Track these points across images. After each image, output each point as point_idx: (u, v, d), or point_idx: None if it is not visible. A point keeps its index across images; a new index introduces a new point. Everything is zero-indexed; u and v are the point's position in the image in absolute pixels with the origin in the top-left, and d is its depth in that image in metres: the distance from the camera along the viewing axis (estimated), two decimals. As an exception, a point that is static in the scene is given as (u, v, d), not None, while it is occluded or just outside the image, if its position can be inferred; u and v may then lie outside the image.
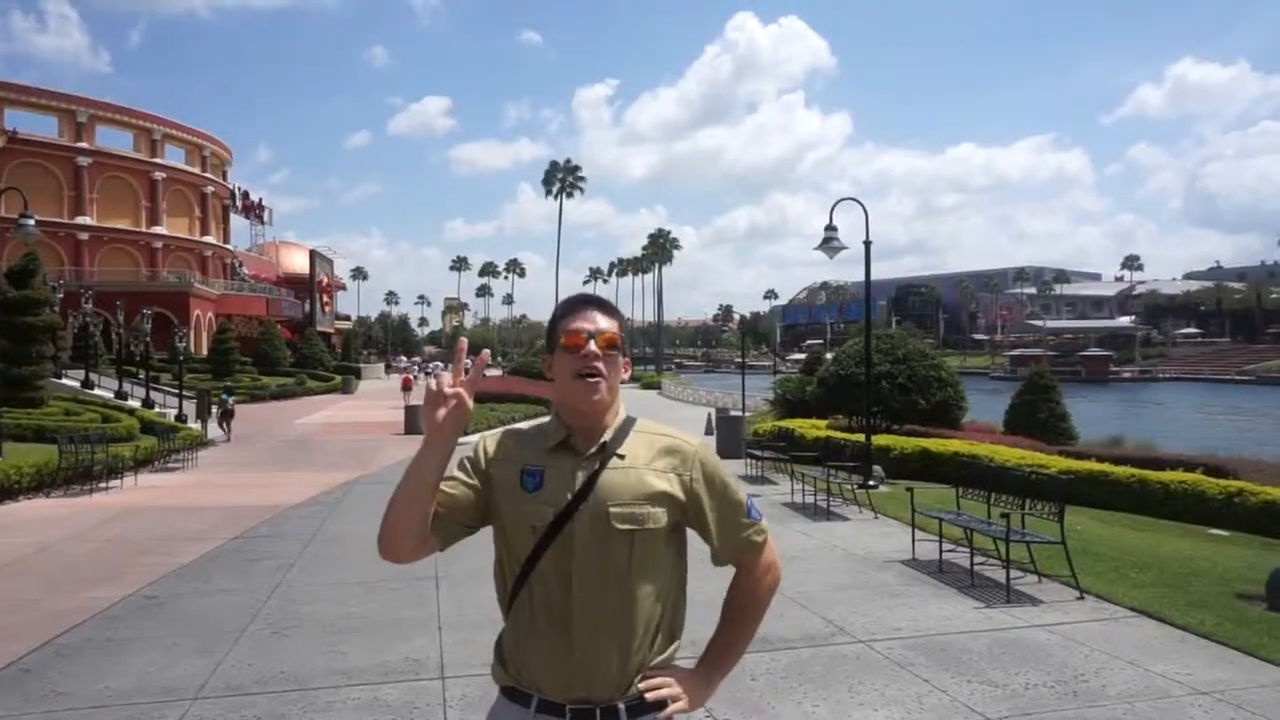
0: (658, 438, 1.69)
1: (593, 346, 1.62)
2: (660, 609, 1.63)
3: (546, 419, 1.75)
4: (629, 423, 1.70)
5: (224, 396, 24.59)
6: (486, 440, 1.72)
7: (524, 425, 1.78)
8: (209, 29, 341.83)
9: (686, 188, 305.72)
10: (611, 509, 1.57)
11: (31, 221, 14.81)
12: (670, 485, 1.63)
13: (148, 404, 25.95)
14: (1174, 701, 4.20)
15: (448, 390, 1.56)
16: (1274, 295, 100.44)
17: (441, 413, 1.55)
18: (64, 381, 26.81)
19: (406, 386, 44.44)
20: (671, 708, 1.60)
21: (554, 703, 1.57)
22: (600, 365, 1.62)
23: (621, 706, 1.57)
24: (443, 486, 1.62)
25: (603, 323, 1.66)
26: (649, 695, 1.58)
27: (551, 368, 1.70)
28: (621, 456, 1.63)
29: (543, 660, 1.58)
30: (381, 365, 72.85)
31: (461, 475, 1.67)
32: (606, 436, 1.65)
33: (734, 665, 1.80)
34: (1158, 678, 4.52)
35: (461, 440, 1.62)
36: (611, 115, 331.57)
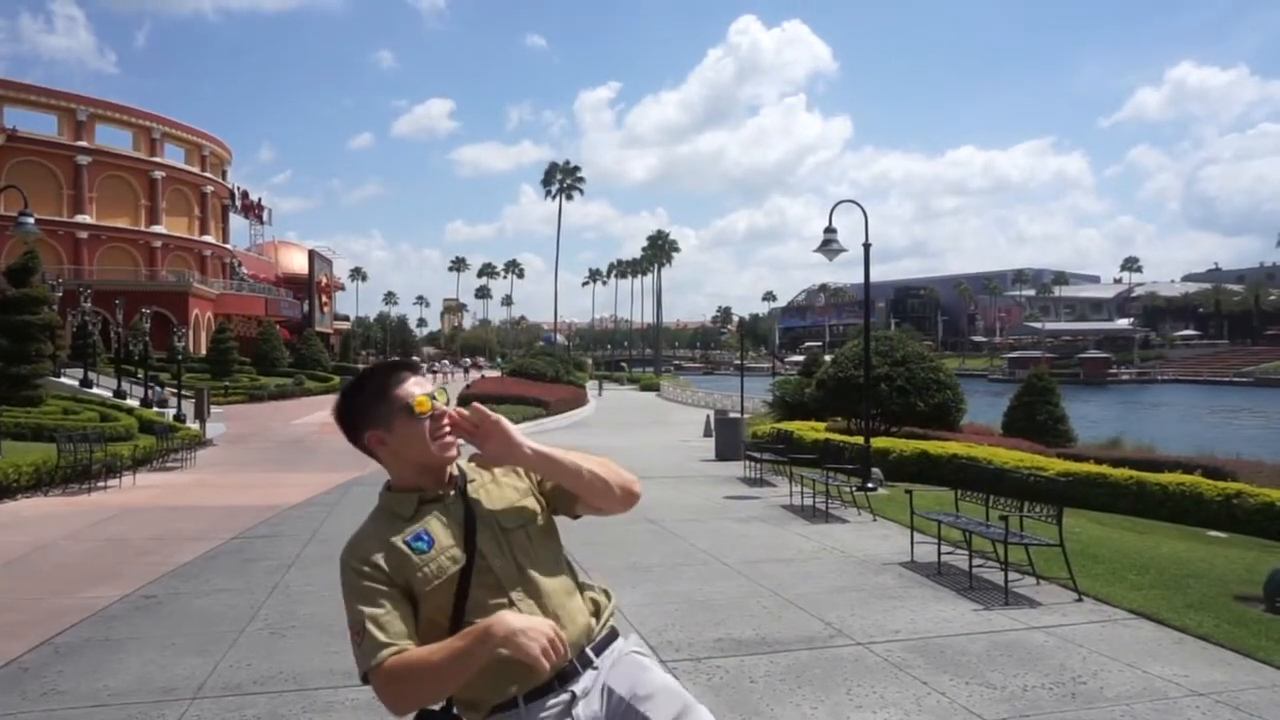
0: (481, 468, 1.80)
1: (440, 407, 1.69)
2: (569, 569, 1.78)
3: (375, 509, 1.75)
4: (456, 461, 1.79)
5: (158, 389, 24.89)
6: (354, 552, 1.66)
7: (361, 532, 1.72)
8: (215, 31, 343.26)
9: (687, 190, 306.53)
10: (500, 517, 1.70)
11: (31, 220, 14.78)
12: (521, 479, 1.79)
13: (147, 403, 25.92)
14: (1172, 703, 4.20)
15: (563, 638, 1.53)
16: (1272, 297, 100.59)
17: (545, 658, 1.49)
18: (63, 380, 26.79)
19: None
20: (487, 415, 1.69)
21: (537, 688, 1.64)
22: (451, 420, 1.70)
23: (589, 650, 1.71)
24: (386, 618, 1.58)
25: (427, 384, 1.75)
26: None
27: (388, 444, 1.69)
28: (473, 480, 1.75)
29: (515, 669, 1.59)
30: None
31: (385, 595, 1.61)
32: (452, 469, 1.74)
33: (550, 453, 1.73)
34: (1156, 679, 4.52)
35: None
36: (613, 118, 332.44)
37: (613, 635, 1.77)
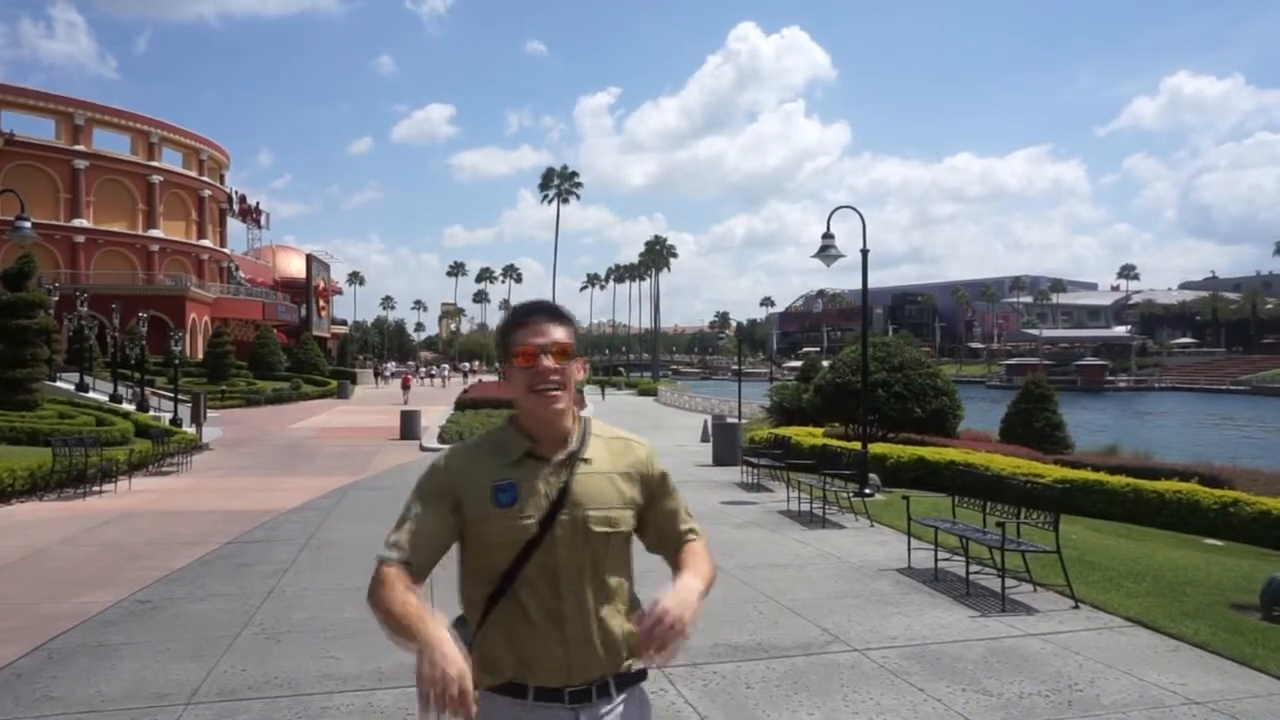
0: (614, 441, 1.78)
1: (546, 361, 1.65)
2: (629, 594, 1.75)
3: (498, 429, 1.78)
4: (586, 425, 1.76)
5: (136, 388, 26.05)
6: (445, 462, 1.72)
7: (473, 440, 1.77)
8: (217, 37, 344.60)
9: (686, 196, 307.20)
10: (590, 513, 1.66)
11: (28, 224, 14.77)
12: (633, 489, 1.75)
13: (144, 407, 25.86)
14: (1168, 711, 4.20)
15: (466, 706, 1.44)
16: (1269, 305, 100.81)
17: (422, 702, 1.43)
18: (59, 384, 26.72)
19: (406, 385, 44.66)
20: (677, 634, 1.53)
21: (551, 689, 1.64)
22: (556, 378, 1.65)
23: (611, 681, 1.68)
24: (417, 522, 1.65)
25: (556, 333, 1.68)
26: (654, 638, 1.52)
27: (507, 378, 1.74)
28: (588, 461, 1.70)
29: (539, 656, 1.64)
30: (370, 371, 65.30)
31: (433, 506, 1.67)
32: (572, 444, 1.71)
33: (708, 582, 1.72)
34: (1152, 687, 4.52)
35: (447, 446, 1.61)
36: (613, 123, 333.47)
37: (641, 676, 1.74)
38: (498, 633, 1.66)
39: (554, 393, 1.65)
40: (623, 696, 1.71)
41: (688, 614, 1.55)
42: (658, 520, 1.79)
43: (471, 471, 1.68)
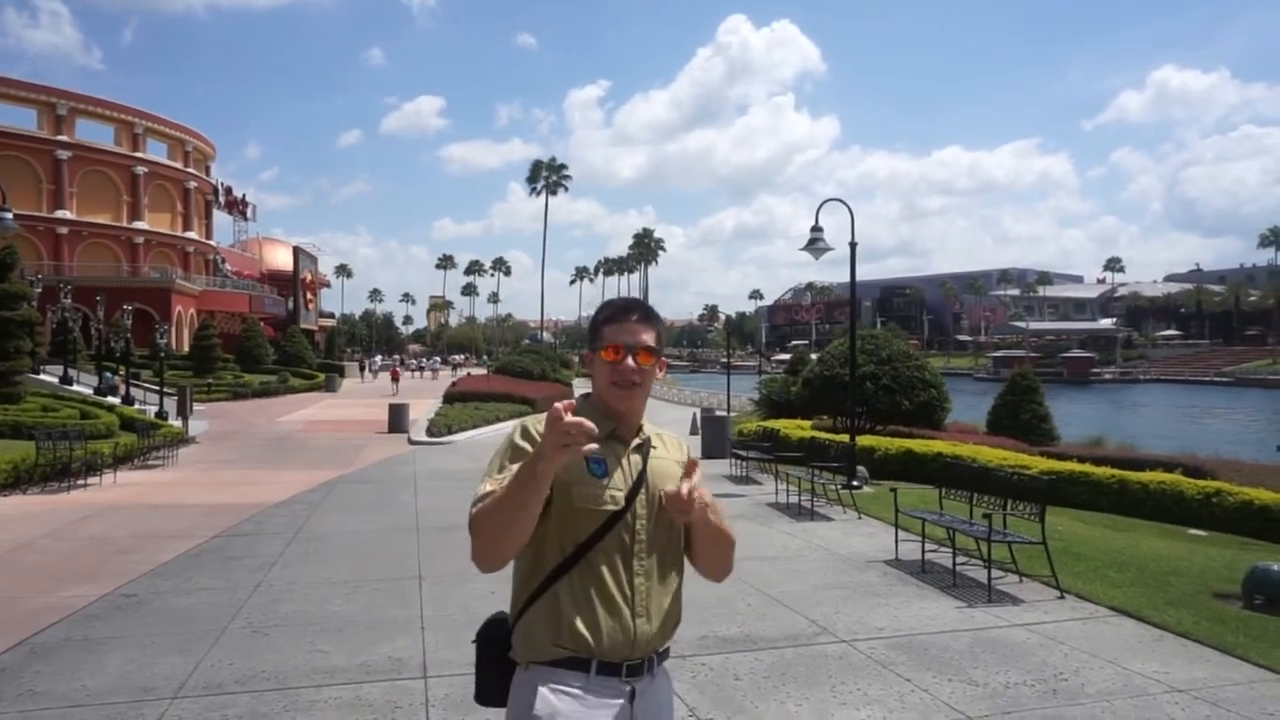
0: (664, 434, 1.92)
1: (630, 362, 1.76)
2: (682, 579, 1.87)
3: (580, 404, 1.78)
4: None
5: (108, 376, 25.86)
6: (538, 426, 1.72)
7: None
8: (205, 28, 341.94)
9: (675, 189, 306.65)
10: (665, 490, 1.76)
11: (9, 215, 14.62)
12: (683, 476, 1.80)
13: (127, 400, 25.66)
14: (1151, 699, 4.24)
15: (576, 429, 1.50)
16: (1252, 298, 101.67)
17: (566, 440, 1.48)
18: (42, 377, 26.48)
19: (395, 378, 44.56)
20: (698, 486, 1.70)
21: (612, 663, 1.71)
22: (637, 378, 1.77)
23: (655, 657, 1.80)
24: (516, 464, 1.67)
25: (645, 335, 1.78)
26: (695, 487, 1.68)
27: (591, 365, 1.85)
28: (656, 448, 1.85)
29: (608, 630, 1.70)
30: (357, 365, 61.98)
31: (530, 455, 1.66)
32: (644, 431, 1.84)
33: (728, 530, 1.89)
34: (1136, 676, 4.56)
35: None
36: (603, 116, 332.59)
37: (667, 654, 1.86)
38: (564, 604, 1.70)
39: (629, 389, 1.77)
40: (661, 669, 1.82)
41: (706, 496, 1.72)
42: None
43: None
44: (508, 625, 1.80)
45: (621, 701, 1.70)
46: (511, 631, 1.77)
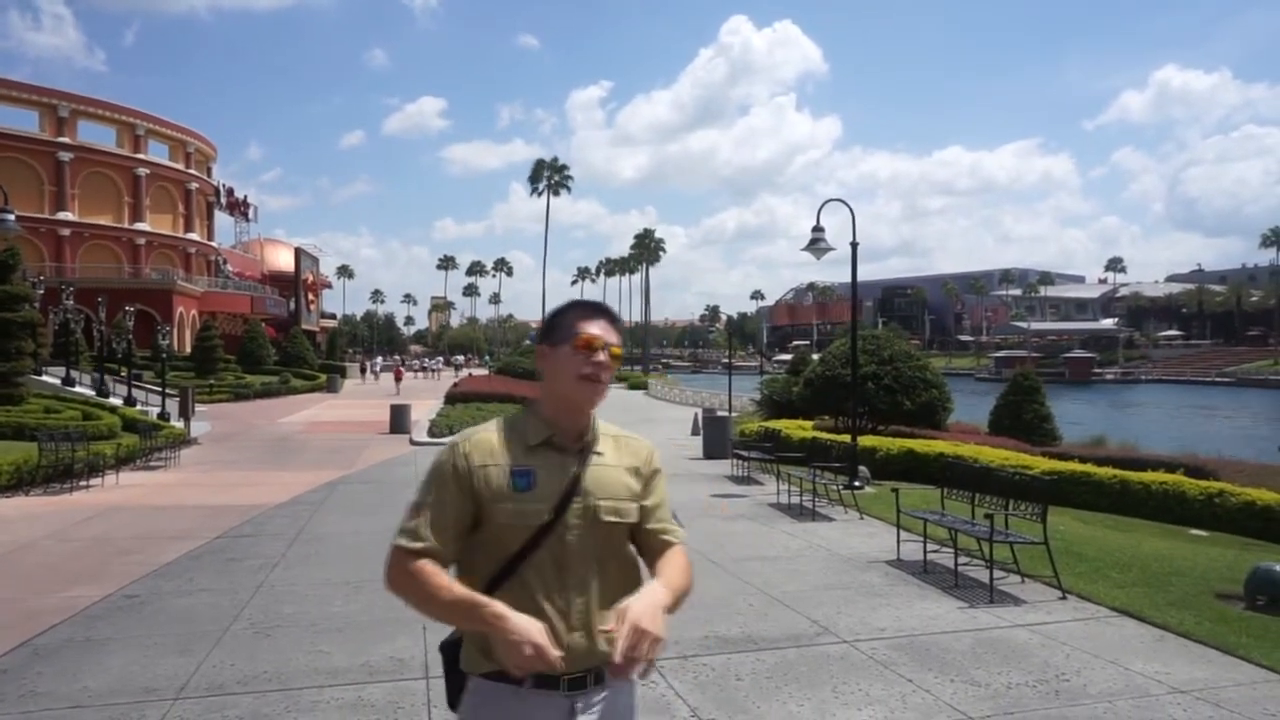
0: (620, 438, 1.84)
1: (603, 356, 1.73)
2: (628, 587, 1.73)
3: (516, 416, 1.81)
4: (594, 421, 1.81)
5: (99, 375, 26.93)
6: (465, 446, 1.75)
7: (489, 425, 1.81)
8: (207, 30, 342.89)
9: (677, 189, 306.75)
10: (600, 502, 1.72)
11: (11, 216, 14.64)
12: (637, 483, 1.79)
13: (129, 401, 25.69)
14: (1154, 700, 4.24)
15: (547, 659, 1.53)
16: (1254, 298, 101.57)
17: (525, 665, 1.53)
18: (44, 379, 26.51)
19: (399, 378, 44.62)
20: (652, 647, 1.53)
21: (549, 676, 1.64)
22: (605, 374, 1.75)
23: (605, 668, 1.68)
24: (438, 509, 1.70)
25: (613, 337, 1.78)
26: (625, 653, 1.52)
27: (548, 359, 1.78)
28: (600, 454, 1.76)
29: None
30: (358, 367, 61.05)
31: (451, 493, 1.71)
32: (588, 435, 1.78)
33: (678, 595, 1.72)
34: (1138, 676, 4.56)
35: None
36: (604, 117, 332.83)
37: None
38: None
39: (601, 381, 1.73)
40: (613, 682, 1.74)
41: (653, 641, 1.53)
42: (645, 516, 1.81)
43: (487, 456, 1.72)
44: None
45: (560, 715, 1.67)
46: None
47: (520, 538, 1.67)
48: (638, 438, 1.87)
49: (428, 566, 1.65)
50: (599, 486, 1.72)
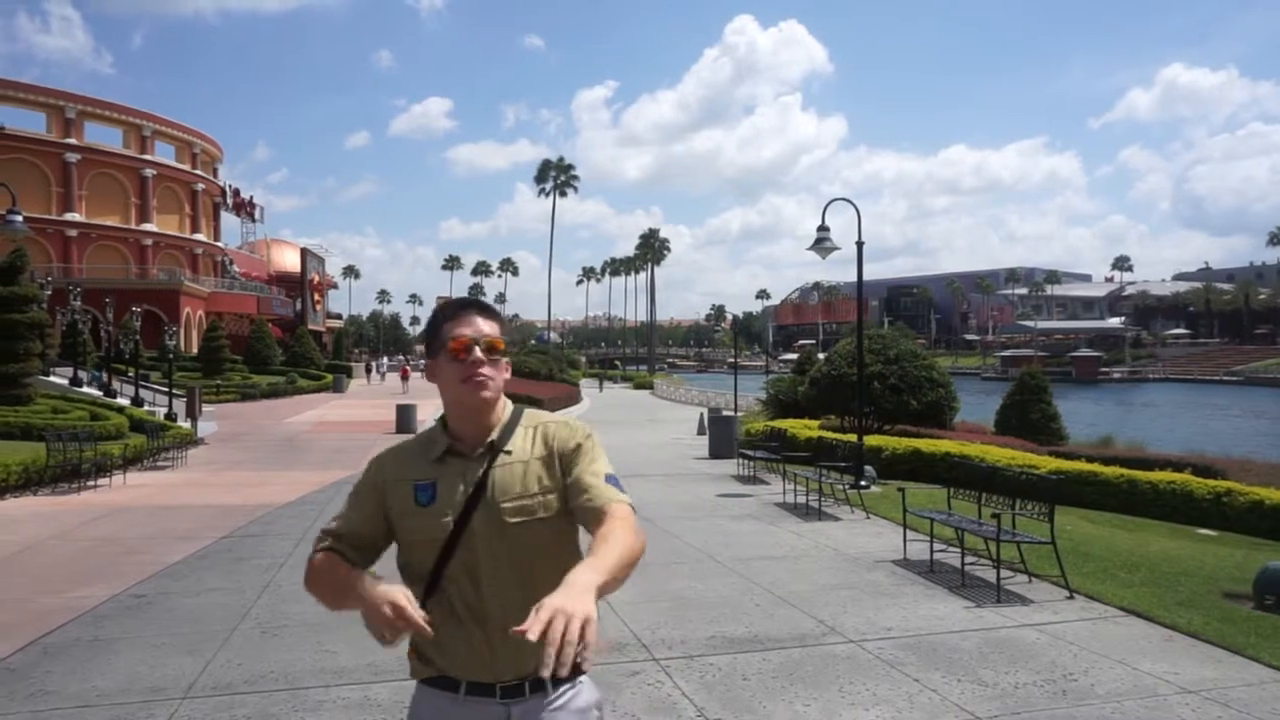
0: (538, 427, 1.74)
1: (478, 353, 1.67)
2: None
3: (429, 428, 1.81)
4: (515, 418, 1.75)
5: (95, 374, 27.39)
6: (378, 461, 1.78)
7: (406, 439, 1.83)
8: (214, 32, 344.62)
9: (682, 189, 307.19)
10: (503, 505, 1.65)
11: (19, 217, 14.72)
12: (552, 471, 1.69)
13: (137, 402, 25.79)
14: (1162, 700, 4.22)
15: (408, 618, 1.48)
16: (1262, 296, 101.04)
17: (390, 632, 1.50)
18: (52, 379, 26.62)
19: (405, 376, 44.69)
20: (577, 646, 1.28)
21: (483, 684, 1.65)
22: (486, 370, 1.67)
23: (547, 677, 1.30)
24: (348, 519, 1.73)
25: (485, 327, 1.70)
26: (541, 637, 1.27)
27: (433, 372, 1.74)
28: (508, 453, 1.70)
29: (467, 653, 1.66)
30: (362, 368, 59.87)
31: (363, 506, 1.73)
32: (493, 435, 1.71)
33: (612, 569, 1.46)
34: (1146, 676, 4.54)
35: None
36: (610, 117, 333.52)
37: (577, 672, 1.66)
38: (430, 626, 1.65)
39: (483, 380, 1.66)
40: (566, 688, 1.67)
41: (574, 619, 1.28)
42: (571, 493, 1.66)
43: (398, 470, 1.73)
44: None
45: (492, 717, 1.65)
46: None
47: (431, 553, 1.65)
48: (561, 420, 1.77)
49: (330, 558, 1.67)
50: (503, 489, 1.65)
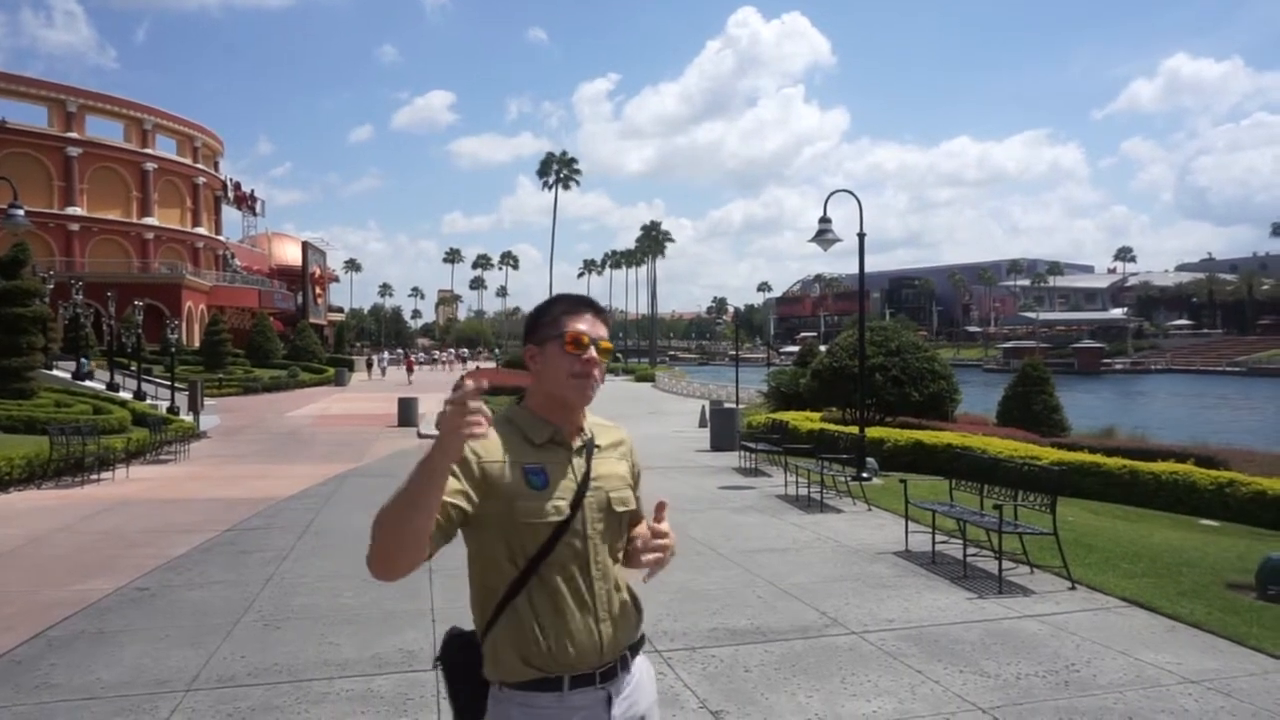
0: (606, 429, 1.85)
1: (594, 353, 1.72)
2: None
3: (513, 411, 1.77)
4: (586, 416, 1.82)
5: (84, 362, 27.80)
6: (470, 443, 1.67)
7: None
8: (218, 27, 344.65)
9: (684, 181, 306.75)
10: (611, 495, 1.75)
11: (21, 212, 14.72)
12: (628, 469, 1.85)
13: (139, 395, 25.83)
14: (1164, 690, 4.22)
15: (474, 404, 1.42)
16: (1265, 286, 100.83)
17: (471, 424, 1.41)
18: (55, 373, 26.66)
19: (410, 369, 44.74)
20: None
21: (583, 674, 1.67)
22: (598, 371, 1.73)
23: (628, 653, 1.76)
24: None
25: (601, 330, 1.76)
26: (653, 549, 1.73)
27: (537, 359, 1.75)
28: (599, 446, 1.78)
29: (576, 641, 1.66)
30: (364, 362, 58.47)
31: (457, 483, 1.59)
32: (586, 430, 1.78)
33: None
34: (1148, 667, 4.54)
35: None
36: (612, 109, 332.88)
37: (641, 643, 1.83)
38: (526, 623, 1.64)
39: (591, 382, 1.72)
40: (636, 663, 1.79)
41: (674, 536, 1.73)
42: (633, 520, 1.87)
43: (501, 452, 1.66)
44: (473, 641, 1.74)
45: (599, 709, 1.68)
46: (481, 646, 1.71)
47: (539, 537, 1.64)
48: (613, 424, 1.89)
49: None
50: (606, 479, 1.75)
